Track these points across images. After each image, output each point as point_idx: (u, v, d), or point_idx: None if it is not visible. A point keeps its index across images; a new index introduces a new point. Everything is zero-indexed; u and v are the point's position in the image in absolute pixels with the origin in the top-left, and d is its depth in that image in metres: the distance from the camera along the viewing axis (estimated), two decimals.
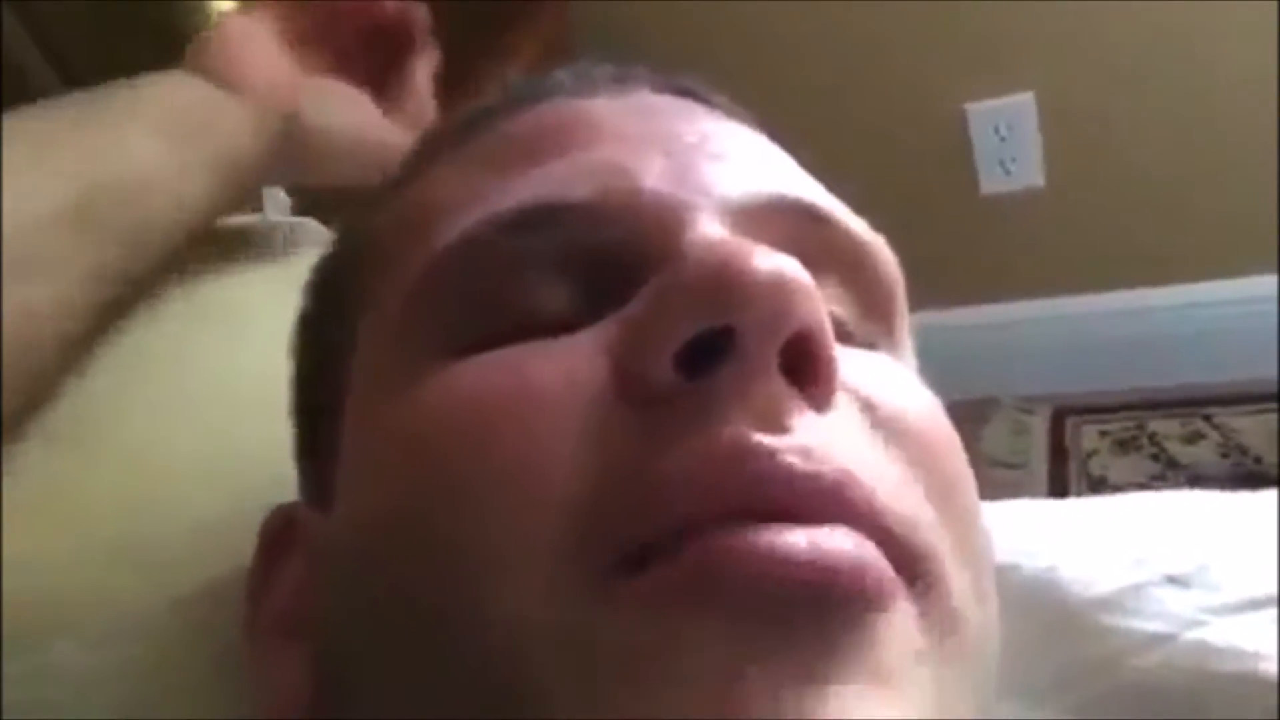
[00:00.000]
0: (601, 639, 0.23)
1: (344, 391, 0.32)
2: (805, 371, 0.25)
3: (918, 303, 0.35)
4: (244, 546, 0.35)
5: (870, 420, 0.27)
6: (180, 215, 0.44)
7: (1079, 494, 1.38)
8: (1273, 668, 0.36)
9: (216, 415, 0.43)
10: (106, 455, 0.41)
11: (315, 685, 0.31)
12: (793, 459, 0.23)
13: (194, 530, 0.39)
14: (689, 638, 0.22)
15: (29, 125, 0.42)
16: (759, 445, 0.23)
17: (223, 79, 0.48)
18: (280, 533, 0.35)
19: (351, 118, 0.52)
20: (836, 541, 0.23)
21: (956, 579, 0.26)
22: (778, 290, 0.24)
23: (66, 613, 0.37)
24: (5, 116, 0.42)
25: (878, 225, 0.33)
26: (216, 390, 0.44)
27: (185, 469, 0.41)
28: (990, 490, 0.31)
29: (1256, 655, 0.36)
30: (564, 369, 0.26)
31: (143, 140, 0.43)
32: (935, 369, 0.34)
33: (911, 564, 0.25)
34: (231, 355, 0.45)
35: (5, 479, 0.38)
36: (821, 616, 0.22)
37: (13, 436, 0.39)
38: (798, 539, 0.23)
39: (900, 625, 0.24)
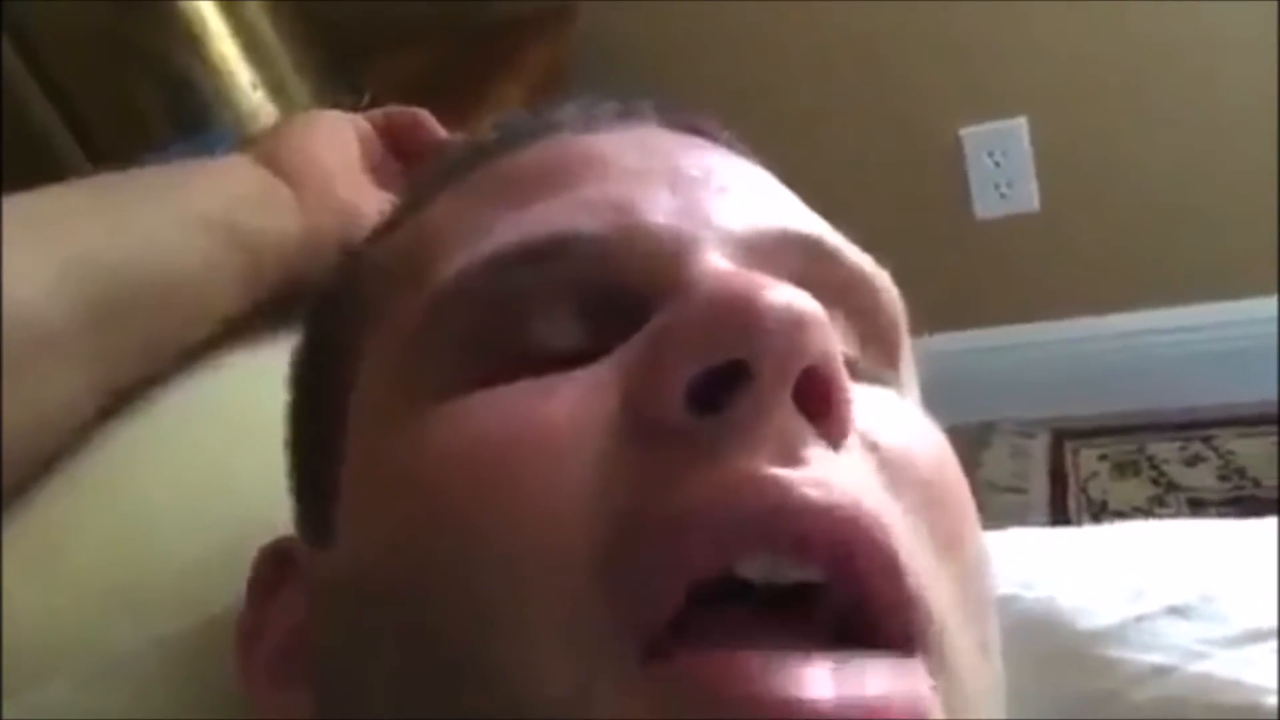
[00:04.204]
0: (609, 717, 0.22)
1: (344, 426, 0.32)
2: (818, 405, 0.25)
3: (914, 327, 0.34)
4: (235, 585, 0.35)
5: (876, 462, 0.26)
6: (207, 314, 0.44)
7: (1079, 518, 1.37)
8: (1274, 700, 0.36)
9: (206, 453, 0.43)
10: (97, 495, 0.40)
11: None
12: (810, 490, 0.23)
13: (185, 569, 0.39)
14: None
15: (67, 202, 0.42)
16: (775, 476, 0.23)
17: (292, 172, 0.47)
18: (274, 570, 0.35)
19: None
20: (866, 690, 0.22)
21: (960, 635, 0.26)
22: (792, 324, 0.24)
23: (59, 653, 0.37)
24: (48, 189, 0.41)
25: (873, 250, 0.33)
26: (206, 428, 0.44)
27: (176, 509, 0.41)
28: (991, 515, 0.31)
29: (1258, 688, 0.36)
30: (575, 404, 0.26)
31: (183, 236, 0.43)
32: (933, 394, 0.34)
33: (920, 616, 0.24)
34: (222, 391, 0.45)
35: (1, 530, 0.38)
36: None
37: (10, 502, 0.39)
38: (822, 688, 0.22)
39: None
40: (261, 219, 0.46)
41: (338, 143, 0.51)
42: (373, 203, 0.46)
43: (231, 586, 0.35)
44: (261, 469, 0.37)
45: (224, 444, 0.43)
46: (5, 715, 0.35)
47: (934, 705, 0.23)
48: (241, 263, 0.45)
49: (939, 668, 0.24)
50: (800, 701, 0.21)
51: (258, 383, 0.38)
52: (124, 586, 0.38)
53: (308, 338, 0.38)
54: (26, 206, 0.41)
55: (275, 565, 0.35)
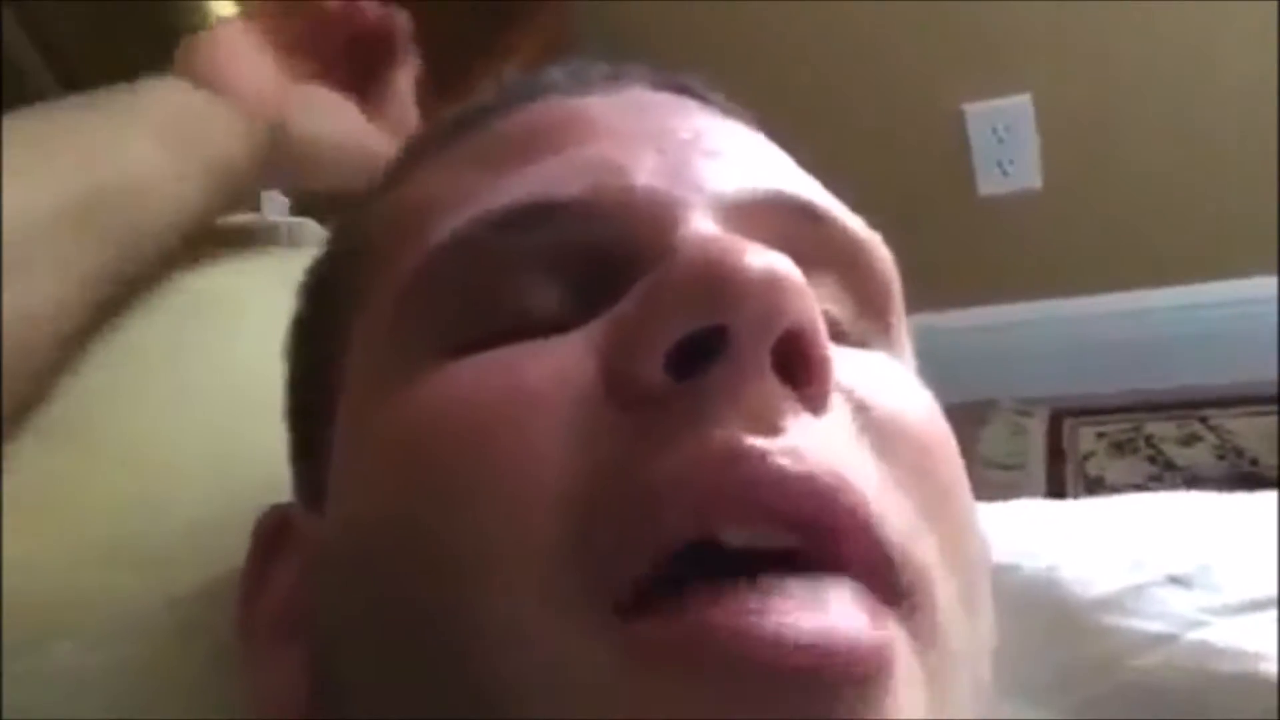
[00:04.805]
0: (587, 674, 0.22)
1: (337, 393, 0.32)
2: (798, 371, 0.25)
3: (915, 304, 0.34)
4: (241, 546, 0.35)
5: (863, 422, 0.26)
6: (175, 218, 0.45)
7: (1076, 496, 1.38)
8: (1273, 668, 0.36)
9: (213, 413, 0.43)
10: (103, 453, 0.41)
11: (311, 686, 0.31)
12: (784, 461, 0.23)
13: (191, 529, 0.39)
14: (675, 702, 0.22)
15: (29, 126, 0.43)
16: (750, 447, 0.23)
17: (211, 85, 0.48)
18: (274, 533, 0.35)
19: (337, 125, 0.53)
20: (842, 617, 0.23)
21: (944, 591, 0.26)
22: (769, 288, 0.24)
23: (63, 613, 0.37)
24: (5, 117, 0.42)
25: (875, 226, 0.33)
26: (214, 388, 0.44)
27: (182, 467, 0.41)
28: (988, 492, 0.31)
29: (1257, 656, 0.36)
30: (554, 370, 0.26)
31: (139, 144, 0.44)
32: (933, 371, 0.34)
33: (901, 580, 0.24)
34: (229, 353, 0.45)
35: (2, 478, 0.38)
36: (820, 700, 0.22)
37: (8, 435, 0.39)
38: (800, 620, 0.22)
39: (904, 688, 0.23)
40: (205, 127, 0.47)
41: (241, 46, 0.52)
42: (284, 87, 0.49)
43: (238, 547, 0.35)
44: (269, 430, 0.37)
45: (232, 403, 0.43)
46: (10, 675, 0.35)
47: (901, 652, 0.24)
48: (196, 167, 0.45)
49: (919, 626, 0.24)
50: (783, 630, 0.22)
51: (266, 344, 0.38)
52: (130, 546, 0.38)
53: (304, 305, 0.38)
54: (18, 126, 0.42)
55: (276, 528, 0.35)
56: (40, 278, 0.39)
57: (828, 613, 0.22)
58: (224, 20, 0.55)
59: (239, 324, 0.46)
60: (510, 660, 0.23)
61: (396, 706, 0.26)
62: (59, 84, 1.11)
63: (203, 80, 0.48)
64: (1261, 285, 1.39)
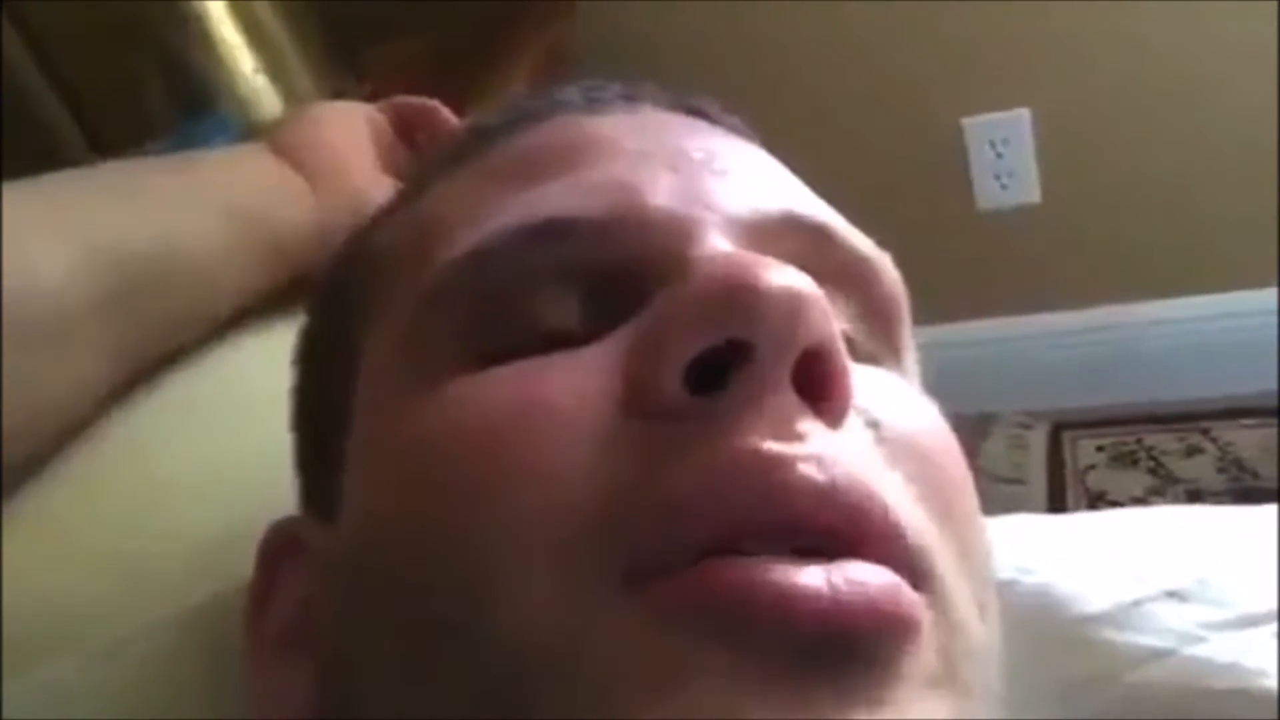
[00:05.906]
0: (600, 649, 0.23)
1: (349, 403, 0.32)
2: (817, 386, 0.25)
3: (915, 318, 0.35)
4: (245, 561, 0.35)
5: (875, 438, 0.27)
6: (223, 302, 0.45)
7: (1077, 508, 1.38)
8: (1272, 684, 0.36)
9: (217, 429, 0.43)
10: (107, 470, 0.41)
11: (319, 697, 0.31)
12: (808, 469, 0.23)
13: (195, 545, 0.39)
14: (691, 660, 0.22)
15: (87, 188, 0.42)
16: (773, 454, 0.23)
17: (304, 161, 0.48)
18: (282, 545, 0.35)
19: None
20: (859, 579, 0.23)
21: (960, 595, 0.26)
22: (791, 304, 0.24)
23: (67, 629, 0.37)
24: (73, 173, 0.42)
25: (874, 239, 0.33)
26: (217, 404, 0.44)
27: (186, 484, 0.41)
28: (989, 505, 0.31)
29: (1255, 671, 0.36)
30: (573, 383, 0.26)
31: (198, 221, 0.43)
32: (933, 384, 0.34)
33: (923, 581, 0.25)
34: (232, 368, 0.45)
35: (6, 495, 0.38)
36: (836, 658, 0.22)
37: (11, 488, 0.39)
38: (814, 579, 0.22)
39: (921, 657, 0.23)
40: (278, 210, 0.46)
41: (350, 133, 0.52)
42: (385, 193, 0.47)
43: (242, 562, 0.35)
44: (273, 446, 0.37)
45: (236, 421, 0.43)
46: (13, 691, 0.35)
47: (924, 619, 0.24)
48: (259, 252, 0.45)
49: (942, 622, 0.25)
50: (795, 587, 0.22)
51: (269, 361, 0.38)
52: (134, 562, 0.39)
53: (314, 318, 0.38)
54: (50, 189, 0.41)
55: (284, 541, 0.35)
56: (59, 355, 0.38)
57: (845, 573, 0.23)
58: (337, 101, 0.55)
59: (241, 342, 0.46)
60: (528, 646, 0.23)
61: (413, 711, 0.26)
62: (56, 85, 1.11)
63: (298, 153, 0.48)
64: (1261, 297, 1.39)
